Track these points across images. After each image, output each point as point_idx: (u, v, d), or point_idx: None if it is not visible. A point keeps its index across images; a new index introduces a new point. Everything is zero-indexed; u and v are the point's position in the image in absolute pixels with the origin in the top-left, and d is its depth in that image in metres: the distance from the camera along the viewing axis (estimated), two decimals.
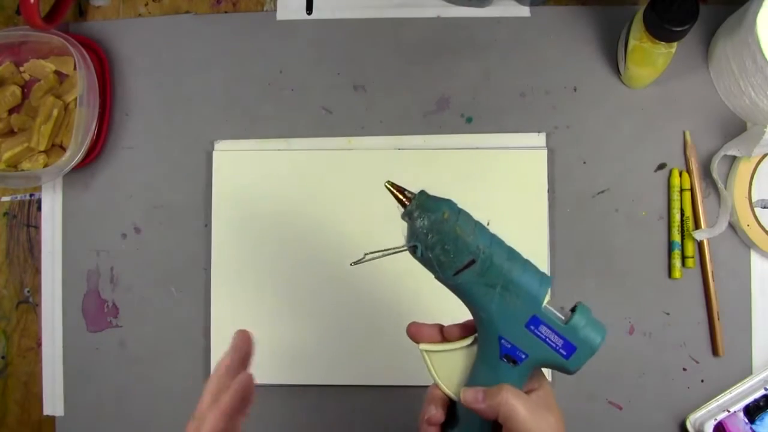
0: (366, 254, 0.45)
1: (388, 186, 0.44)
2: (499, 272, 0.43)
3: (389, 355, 0.66)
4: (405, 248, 0.44)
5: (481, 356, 0.45)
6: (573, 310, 0.45)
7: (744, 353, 0.65)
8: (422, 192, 0.44)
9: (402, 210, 0.44)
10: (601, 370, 0.66)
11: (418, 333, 0.47)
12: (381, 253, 0.44)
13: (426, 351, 0.46)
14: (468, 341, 0.46)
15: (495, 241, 0.44)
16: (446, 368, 0.46)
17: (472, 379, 0.45)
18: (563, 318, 0.44)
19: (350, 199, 0.68)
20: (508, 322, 0.44)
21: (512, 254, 0.44)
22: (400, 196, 0.44)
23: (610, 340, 0.65)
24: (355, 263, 0.46)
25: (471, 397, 0.44)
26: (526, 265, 0.44)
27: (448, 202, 0.44)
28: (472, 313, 0.45)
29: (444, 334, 0.47)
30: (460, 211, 0.44)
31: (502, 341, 0.44)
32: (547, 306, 0.44)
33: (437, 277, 0.44)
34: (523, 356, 0.44)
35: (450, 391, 0.46)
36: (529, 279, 0.43)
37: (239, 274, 0.68)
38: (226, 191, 0.69)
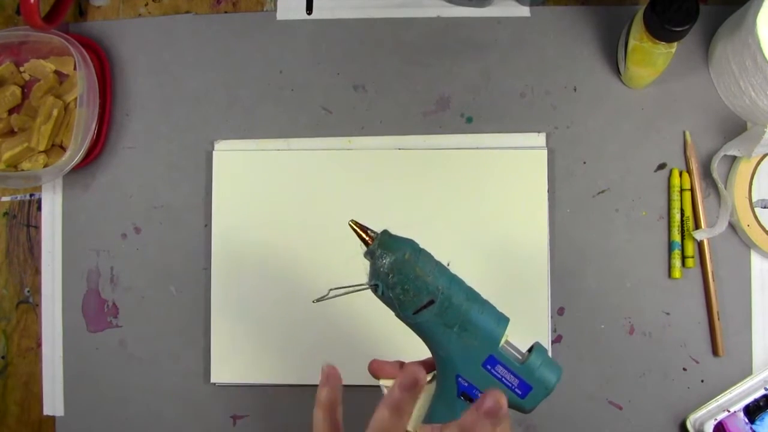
0: (330, 290, 0.46)
1: (352, 225, 0.45)
2: (457, 312, 0.44)
3: (389, 355, 0.66)
4: (367, 286, 0.44)
5: (438, 393, 0.46)
6: (531, 350, 0.45)
7: (744, 353, 0.65)
8: (385, 231, 0.45)
9: (365, 249, 0.44)
10: (601, 370, 0.66)
11: (380, 370, 0.48)
12: (344, 290, 0.45)
13: (387, 387, 0.47)
14: (427, 378, 0.47)
15: (454, 281, 0.44)
16: None
17: (429, 416, 0.46)
18: (520, 358, 0.45)
19: (350, 199, 0.68)
20: (466, 361, 0.44)
21: (471, 295, 0.45)
22: (363, 235, 0.45)
23: (610, 340, 0.66)
24: (319, 300, 0.47)
25: None
26: (485, 305, 0.45)
27: (410, 243, 0.44)
28: (431, 351, 0.46)
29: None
30: (421, 251, 0.44)
31: (460, 379, 0.45)
32: (506, 345, 0.45)
33: (397, 315, 0.45)
34: (480, 395, 0.45)
35: (410, 427, 0.47)
36: (487, 319, 0.44)
37: (239, 274, 0.68)
38: (226, 191, 0.69)
